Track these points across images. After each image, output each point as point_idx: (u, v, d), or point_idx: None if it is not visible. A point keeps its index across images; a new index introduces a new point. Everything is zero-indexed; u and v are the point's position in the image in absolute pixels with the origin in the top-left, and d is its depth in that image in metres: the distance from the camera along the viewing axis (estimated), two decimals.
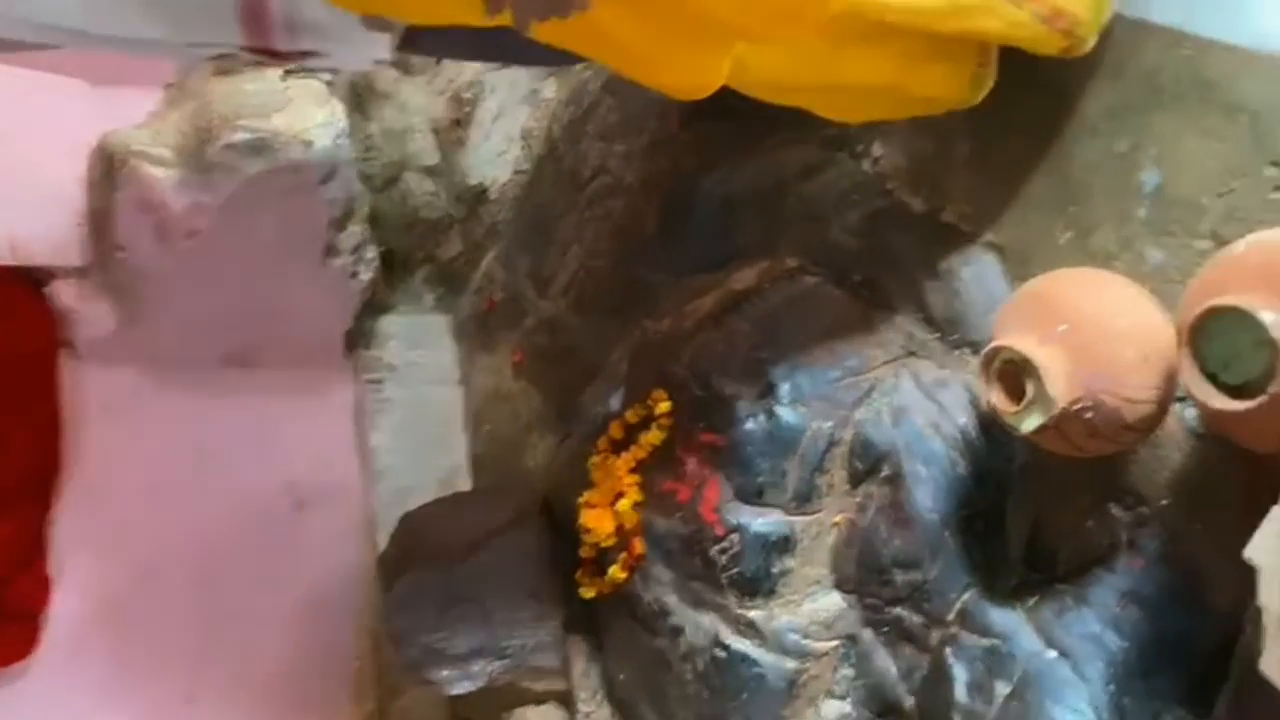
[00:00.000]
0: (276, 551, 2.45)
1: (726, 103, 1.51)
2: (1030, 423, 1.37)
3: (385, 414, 2.53)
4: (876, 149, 1.87)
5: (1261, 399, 1.12)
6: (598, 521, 1.95)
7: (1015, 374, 1.39)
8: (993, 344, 1.40)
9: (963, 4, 1.39)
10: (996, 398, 1.41)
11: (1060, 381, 1.32)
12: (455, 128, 2.49)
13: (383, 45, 1.66)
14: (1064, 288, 1.42)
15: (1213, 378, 1.20)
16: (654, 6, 1.27)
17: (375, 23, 1.57)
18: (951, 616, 1.62)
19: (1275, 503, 1.07)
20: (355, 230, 2.37)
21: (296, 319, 2.42)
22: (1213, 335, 1.21)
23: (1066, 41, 1.47)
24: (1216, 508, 1.39)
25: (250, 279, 2.31)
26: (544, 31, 1.28)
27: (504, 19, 1.19)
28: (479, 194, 2.50)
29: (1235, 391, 1.18)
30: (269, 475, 2.46)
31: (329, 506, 2.49)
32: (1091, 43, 1.50)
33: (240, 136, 2.12)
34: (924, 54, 1.53)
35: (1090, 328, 1.34)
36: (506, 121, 2.48)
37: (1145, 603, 1.45)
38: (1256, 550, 1.07)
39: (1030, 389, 1.36)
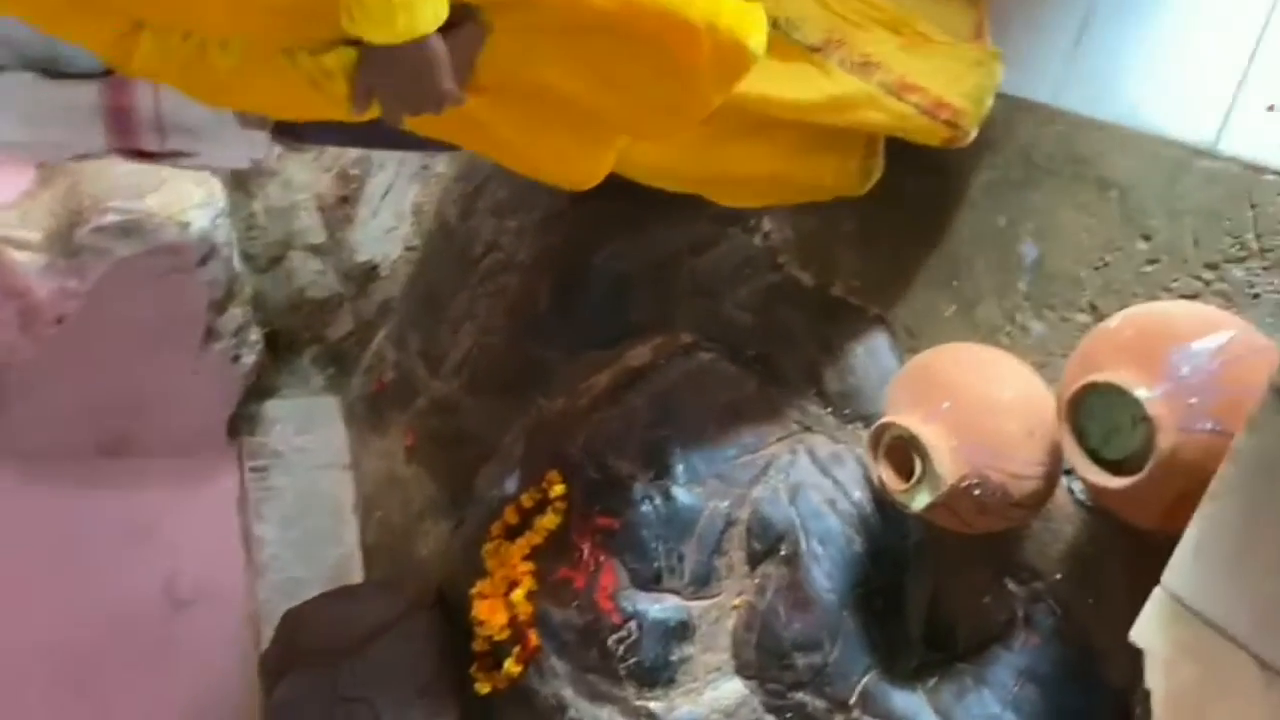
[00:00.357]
0: (154, 654, 2.30)
1: (618, 179, 1.48)
2: (920, 500, 1.35)
3: (271, 503, 2.41)
4: (766, 224, 1.87)
5: (1140, 476, 1.11)
6: (490, 613, 1.87)
7: (904, 450, 1.37)
8: (879, 422, 1.39)
9: (844, 98, 1.39)
10: (886, 475, 1.39)
11: (947, 458, 1.31)
12: (343, 204, 2.43)
13: (260, 144, 1.62)
14: (948, 364, 1.41)
15: (1094, 453, 1.20)
16: (533, 102, 1.23)
17: (250, 119, 1.52)
18: (853, 700, 1.58)
19: (1158, 580, 1.06)
20: (236, 312, 2.29)
21: (175, 406, 2.31)
22: (1092, 411, 1.20)
23: (949, 132, 1.49)
24: (1107, 582, 1.38)
25: (124, 365, 2.20)
26: (419, 124, 1.25)
27: (373, 114, 1.14)
28: (369, 271, 2.44)
29: (1116, 467, 1.18)
30: (146, 572, 2.33)
31: (211, 604, 2.35)
32: (974, 133, 1.51)
33: (111, 218, 2.03)
34: (811, 146, 1.52)
35: (973, 403, 1.34)
36: (396, 197, 2.43)
37: (1042, 681, 1.43)
38: (1142, 632, 1.05)
39: (919, 466, 1.34)
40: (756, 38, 1.17)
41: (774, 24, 1.27)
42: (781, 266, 1.85)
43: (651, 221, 1.97)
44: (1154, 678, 1.05)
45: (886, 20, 1.44)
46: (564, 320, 2.07)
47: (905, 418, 1.35)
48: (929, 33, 1.47)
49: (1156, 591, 1.05)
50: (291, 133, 1.65)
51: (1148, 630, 1.06)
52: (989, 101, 1.50)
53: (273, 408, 2.47)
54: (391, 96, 1.11)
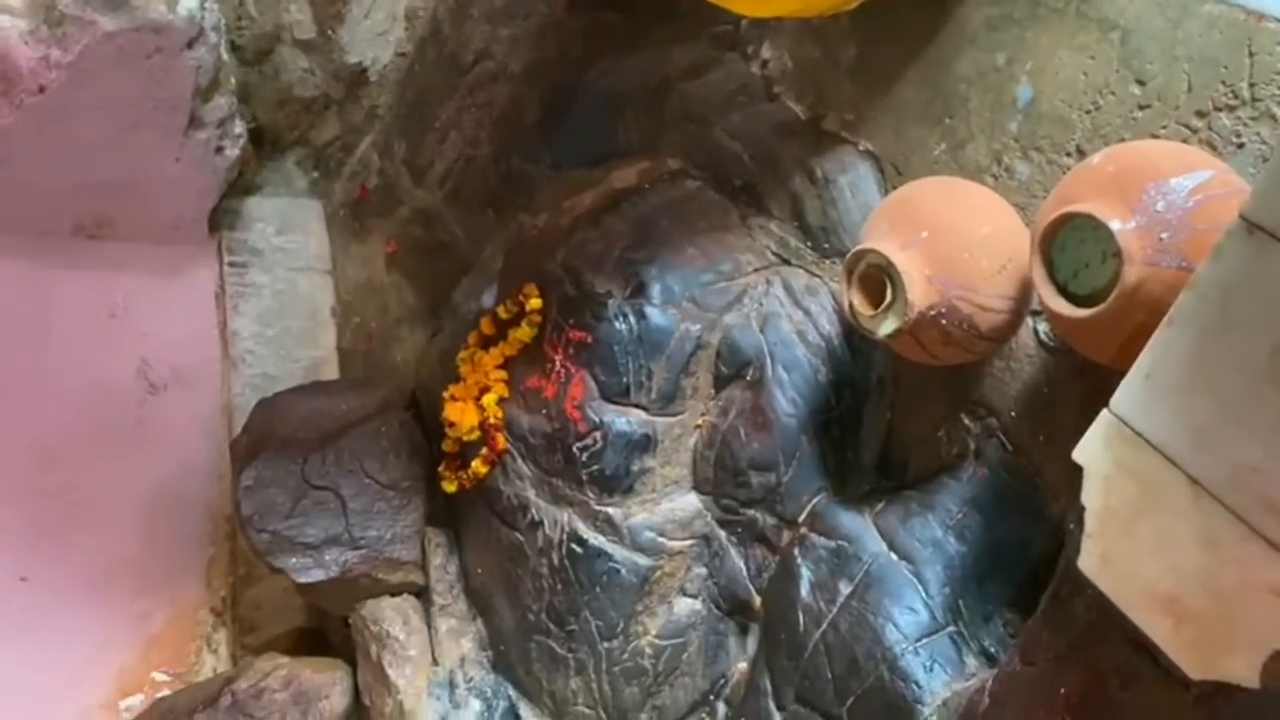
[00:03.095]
0: (127, 434, 2.34)
1: None
2: (887, 326, 1.37)
3: (249, 299, 2.42)
4: (765, 51, 1.84)
5: (1102, 306, 1.14)
6: (461, 415, 1.92)
7: (877, 279, 1.40)
8: (856, 248, 1.40)
9: None
10: (857, 301, 1.42)
11: (918, 286, 1.33)
12: (335, 1, 2.36)
13: None
14: (928, 196, 1.42)
15: (1061, 288, 1.22)
16: None
17: None
18: (802, 518, 1.65)
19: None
20: (221, 102, 2.23)
21: (155, 192, 2.28)
22: (1064, 245, 1.22)
23: None
24: (1059, 420, 1.43)
25: (105, 144, 2.16)
26: None
27: None
28: (358, 74, 2.39)
29: (1081, 302, 1.20)
30: (120, 354, 2.34)
31: (184, 391, 2.38)
32: None
33: None
34: None
35: (950, 235, 1.35)
36: None
37: (986, 510, 1.49)
38: (1084, 451, 1.10)
39: (890, 293, 1.37)
40: None
41: None
42: (776, 96, 1.83)
43: (649, 39, 1.94)
44: (1090, 494, 1.11)
45: None
46: (551, 136, 2.05)
47: (882, 244, 1.37)
48: None
49: (1103, 413, 1.09)
50: None
51: (1090, 449, 1.10)
52: None
53: (254, 205, 2.45)
54: None
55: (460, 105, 2.18)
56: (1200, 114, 1.29)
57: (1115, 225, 1.12)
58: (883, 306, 1.37)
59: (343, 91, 2.44)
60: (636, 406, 1.77)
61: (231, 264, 2.43)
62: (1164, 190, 1.12)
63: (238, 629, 2.38)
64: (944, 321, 1.34)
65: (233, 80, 2.29)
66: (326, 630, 2.38)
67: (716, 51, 1.88)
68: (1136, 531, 1.06)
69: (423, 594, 2.08)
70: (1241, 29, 1.25)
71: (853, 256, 1.41)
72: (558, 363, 1.84)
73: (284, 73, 2.41)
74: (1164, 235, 1.11)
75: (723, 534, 1.75)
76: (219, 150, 2.30)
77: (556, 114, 2.03)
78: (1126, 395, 1.07)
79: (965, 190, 1.43)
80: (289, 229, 2.47)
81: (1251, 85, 1.24)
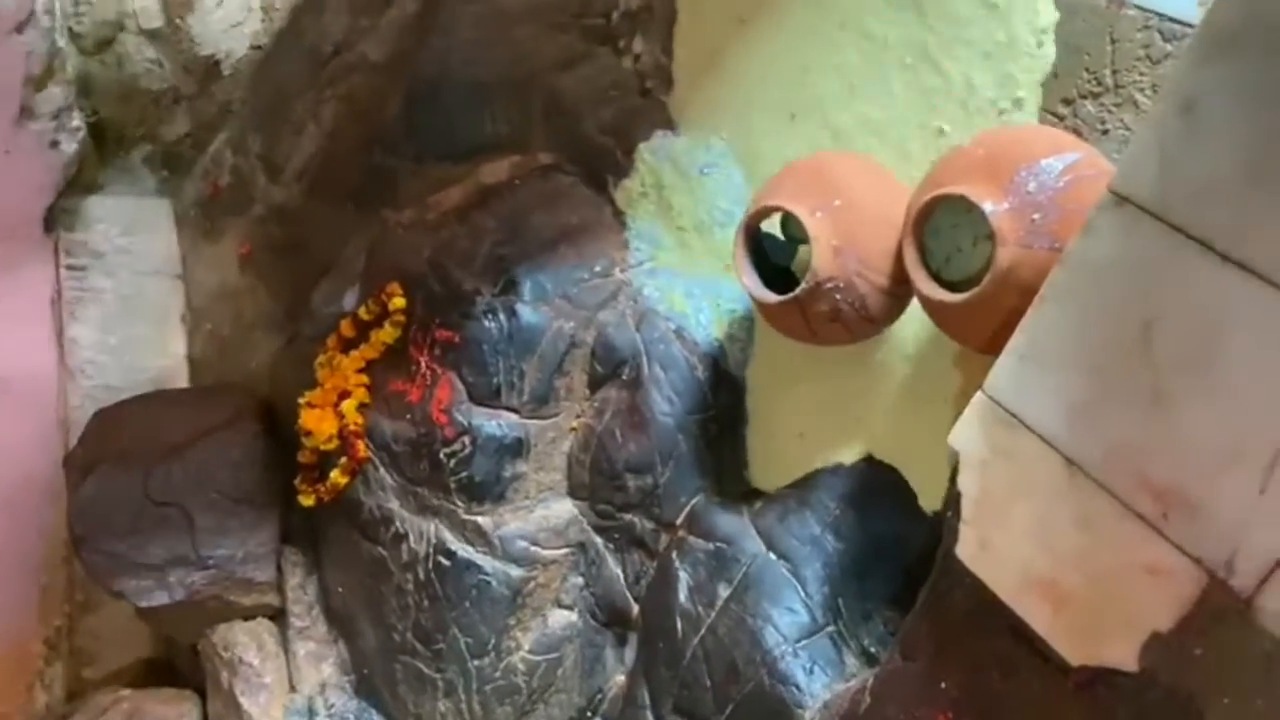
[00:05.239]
0: None
1: None
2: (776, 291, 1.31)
3: (89, 305, 2.25)
4: (637, 45, 1.80)
5: (976, 290, 1.12)
6: (318, 423, 1.81)
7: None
8: (765, 203, 1.32)
9: None
10: (748, 263, 1.35)
11: (825, 254, 1.26)
12: None
13: None
14: (845, 168, 1.35)
15: (935, 275, 1.20)
16: None
17: None
18: (680, 521, 1.59)
19: None
20: (56, 92, 2.07)
21: None
22: (938, 230, 1.20)
23: None
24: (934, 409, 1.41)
25: None
26: None
27: None
28: (211, 67, 2.25)
29: (956, 288, 1.18)
30: None
31: (17, 404, 2.19)
32: None
33: None
34: None
35: (863, 209, 1.29)
36: None
37: (863, 506, 1.46)
38: (959, 436, 1.07)
39: None
40: None
41: None
42: (649, 92, 1.79)
43: (518, 30, 1.87)
44: (966, 480, 1.08)
45: None
46: (414, 128, 1.96)
47: (793, 205, 1.30)
48: None
49: (977, 396, 1.07)
50: None
51: (965, 434, 1.08)
52: None
53: (96, 205, 2.28)
54: None
55: (319, 97, 2.08)
56: (1066, 101, 1.29)
57: (988, 207, 1.10)
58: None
59: (194, 85, 2.30)
60: (507, 409, 1.70)
61: (70, 267, 2.26)
62: (1035, 171, 1.11)
63: (75, 662, 2.19)
64: (838, 296, 1.28)
65: (70, 69, 2.13)
66: (175, 659, 2.22)
67: (587, 45, 1.83)
68: (1013, 515, 1.04)
69: (279, 617, 1.95)
70: (1103, 17, 1.25)
71: (757, 212, 1.33)
72: (423, 364, 1.75)
73: (128, 63, 2.26)
74: (1036, 216, 1.10)
75: (599, 541, 1.68)
76: (54, 144, 2.14)
77: (420, 106, 1.94)
78: (1000, 376, 1.05)
79: (878, 169, 1.38)
80: (135, 230, 2.31)
81: (1114, 72, 1.24)
